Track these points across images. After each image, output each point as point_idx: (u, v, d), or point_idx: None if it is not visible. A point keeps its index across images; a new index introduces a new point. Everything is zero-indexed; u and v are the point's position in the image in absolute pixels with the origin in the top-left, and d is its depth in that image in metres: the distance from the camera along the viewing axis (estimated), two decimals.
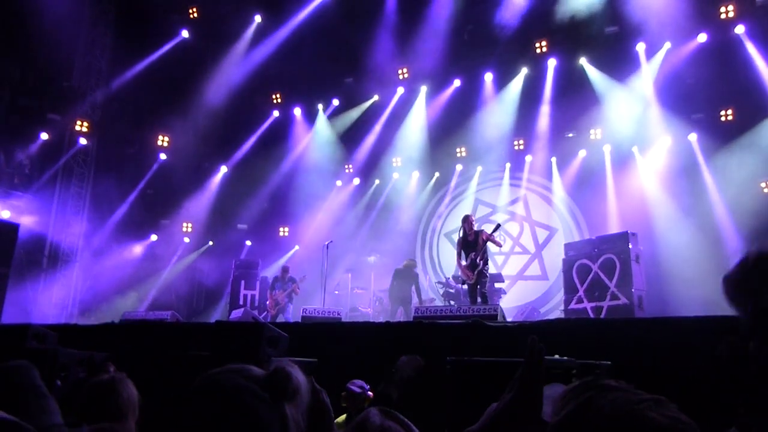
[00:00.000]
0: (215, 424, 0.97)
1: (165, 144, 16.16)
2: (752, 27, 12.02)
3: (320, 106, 16.43)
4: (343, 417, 4.53)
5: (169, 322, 9.22)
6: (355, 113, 16.14)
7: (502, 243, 9.97)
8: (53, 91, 14.94)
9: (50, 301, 14.27)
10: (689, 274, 11.09)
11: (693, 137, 12.66)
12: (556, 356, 4.13)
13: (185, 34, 15.91)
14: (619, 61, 13.36)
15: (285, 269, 12.35)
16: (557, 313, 12.10)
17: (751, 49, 11.94)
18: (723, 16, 12.20)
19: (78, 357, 6.03)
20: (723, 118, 12.39)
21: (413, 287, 11.80)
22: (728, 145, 12.11)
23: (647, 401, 0.86)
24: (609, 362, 3.83)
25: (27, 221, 13.29)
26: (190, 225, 16.38)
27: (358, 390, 4.55)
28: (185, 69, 15.75)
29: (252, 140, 16.76)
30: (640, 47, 13.08)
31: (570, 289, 10.30)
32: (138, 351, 6.71)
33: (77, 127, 15.06)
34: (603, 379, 0.93)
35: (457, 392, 3.66)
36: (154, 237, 15.91)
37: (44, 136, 14.54)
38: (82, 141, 15.18)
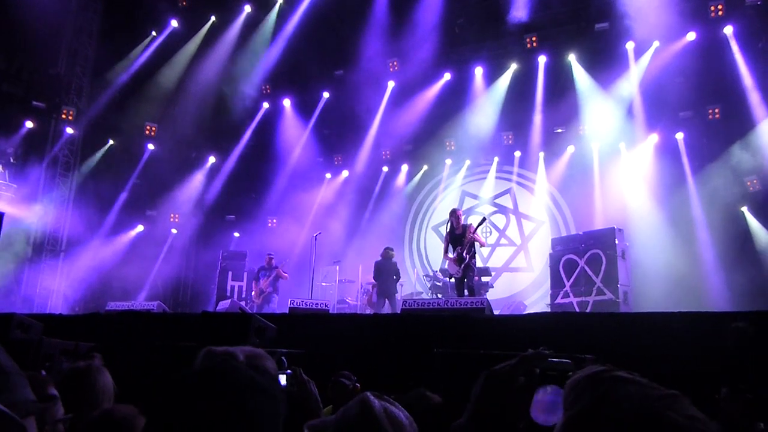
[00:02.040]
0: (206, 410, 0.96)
1: (152, 133, 16.00)
2: (741, 26, 12.08)
3: (309, 97, 16.31)
4: (329, 408, 4.54)
5: (156, 312, 9.19)
6: (343, 105, 16.08)
7: (485, 242, 10.06)
8: (38, 78, 14.74)
9: (35, 290, 14.15)
10: (673, 270, 11.26)
11: (680, 136, 12.77)
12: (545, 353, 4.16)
13: (174, 24, 15.75)
14: (608, 58, 13.41)
15: (269, 257, 12.29)
16: (542, 306, 12.20)
17: (737, 49, 12.01)
18: (712, 14, 12.24)
19: (63, 347, 5.99)
20: (710, 116, 12.47)
21: (396, 280, 11.71)
22: (714, 143, 12.23)
23: (665, 398, 0.83)
24: (592, 356, 3.86)
25: (11, 210, 13.14)
26: (177, 216, 16.26)
27: (346, 381, 4.57)
28: (174, 57, 15.60)
29: (241, 131, 16.67)
30: (630, 45, 13.12)
31: (557, 284, 10.39)
32: (124, 341, 6.69)
33: (63, 116, 14.88)
34: (614, 369, 0.89)
35: (444, 384, 3.68)
36: (140, 227, 15.79)
37: (29, 124, 14.37)
38: (69, 130, 15.00)
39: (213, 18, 15.96)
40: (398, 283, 11.91)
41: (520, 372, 1.06)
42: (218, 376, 0.96)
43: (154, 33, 15.79)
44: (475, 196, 15.55)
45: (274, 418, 0.99)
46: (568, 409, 0.87)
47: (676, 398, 0.83)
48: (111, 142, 15.63)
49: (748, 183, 11.88)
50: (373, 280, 11.92)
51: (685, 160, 12.57)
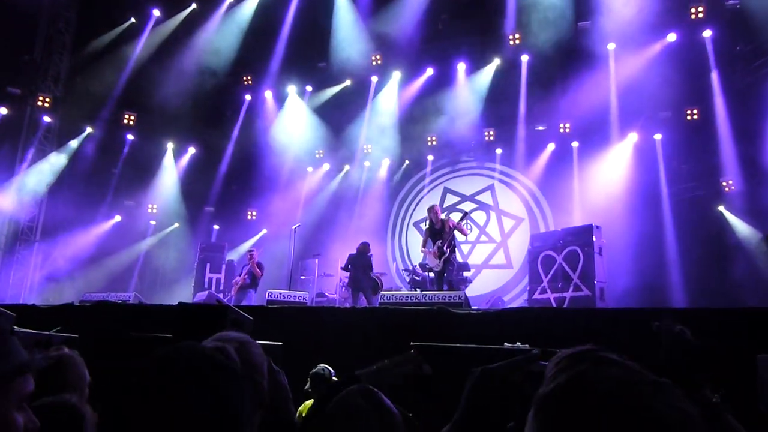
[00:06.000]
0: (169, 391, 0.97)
1: (131, 123, 15.73)
2: (720, 28, 12.24)
3: (292, 90, 16.17)
4: (310, 402, 4.51)
5: (131, 303, 9.10)
6: (326, 98, 15.99)
7: (468, 232, 10.05)
8: (13, 64, 14.42)
9: (8, 280, 13.89)
10: (649, 266, 11.42)
11: (658, 137, 12.93)
12: (519, 345, 4.20)
13: (156, 13, 15.50)
14: (590, 56, 13.48)
15: (250, 253, 12.23)
16: (521, 302, 12.30)
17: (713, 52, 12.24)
18: (693, 16, 12.38)
19: (35, 338, 5.88)
20: (689, 117, 12.63)
21: (368, 275, 11.44)
22: (692, 143, 12.41)
23: (648, 385, 0.74)
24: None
25: None
26: (155, 207, 16.06)
27: (323, 374, 4.56)
28: (154, 46, 15.37)
29: (221, 122, 16.50)
30: (611, 45, 13.21)
31: (535, 280, 10.49)
32: (99, 332, 6.60)
33: (39, 103, 14.58)
34: (602, 350, 0.82)
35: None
36: (117, 218, 15.57)
37: (4, 110, 14.08)
38: (46, 118, 14.71)
39: (194, 5, 15.75)
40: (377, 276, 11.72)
41: (515, 373, 1.02)
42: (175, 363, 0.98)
43: (133, 20, 15.53)
44: (457, 194, 15.60)
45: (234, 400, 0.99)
46: (546, 385, 0.81)
47: (661, 386, 0.74)
48: (89, 130, 15.36)
49: (724, 183, 12.08)
50: (343, 270, 11.77)
51: (661, 159, 12.75)
